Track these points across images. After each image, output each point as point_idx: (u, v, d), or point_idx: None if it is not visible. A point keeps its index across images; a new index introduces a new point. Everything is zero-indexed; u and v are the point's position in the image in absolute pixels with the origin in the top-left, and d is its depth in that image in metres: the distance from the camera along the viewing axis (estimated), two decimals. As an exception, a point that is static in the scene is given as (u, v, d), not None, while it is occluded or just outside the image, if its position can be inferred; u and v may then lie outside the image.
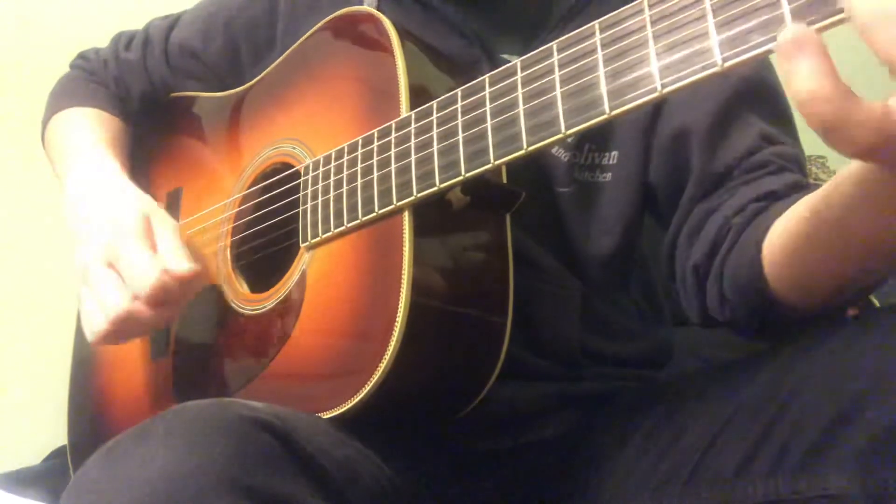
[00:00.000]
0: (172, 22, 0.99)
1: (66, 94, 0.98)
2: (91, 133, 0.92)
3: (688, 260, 0.72)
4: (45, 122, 0.98)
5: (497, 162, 0.57)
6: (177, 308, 0.75)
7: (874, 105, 0.38)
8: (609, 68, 0.48)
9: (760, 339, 0.69)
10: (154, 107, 0.99)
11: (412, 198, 0.62)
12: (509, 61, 0.59)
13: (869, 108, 0.38)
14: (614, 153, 0.76)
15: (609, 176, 0.76)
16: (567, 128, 0.51)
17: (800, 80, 0.38)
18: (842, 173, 0.55)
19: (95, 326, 0.74)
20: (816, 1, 0.40)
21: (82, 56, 1.03)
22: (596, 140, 0.76)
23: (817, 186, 0.59)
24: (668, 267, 0.76)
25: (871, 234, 0.54)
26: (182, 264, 0.73)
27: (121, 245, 0.74)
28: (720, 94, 0.73)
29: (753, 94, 0.74)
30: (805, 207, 0.60)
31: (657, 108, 0.75)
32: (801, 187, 0.68)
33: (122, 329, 0.73)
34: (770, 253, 0.63)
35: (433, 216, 0.64)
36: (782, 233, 0.62)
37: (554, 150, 0.76)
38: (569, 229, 0.77)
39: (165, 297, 0.72)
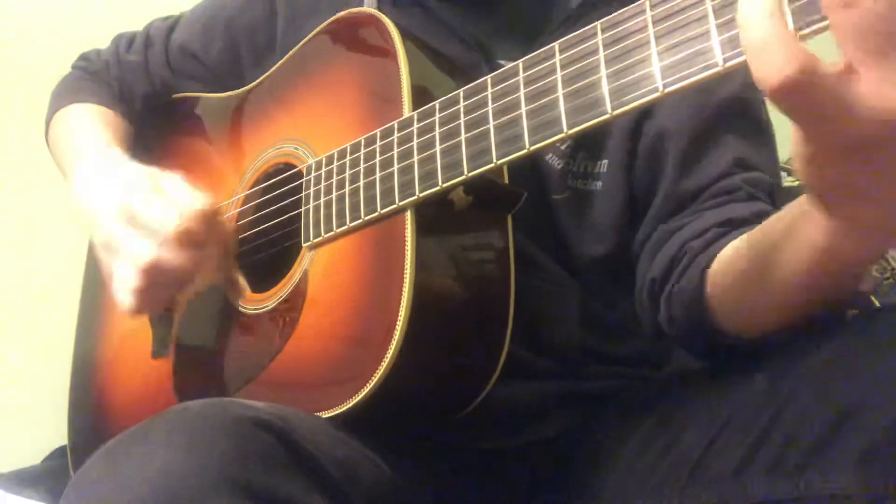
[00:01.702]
0: (172, 23, 0.99)
1: (68, 92, 0.99)
2: (94, 126, 0.92)
3: (646, 274, 0.74)
4: (48, 121, 0.99)
5: (499, 161, 0.57)
6: (201, 252, 0.74)
7: (797, 42, 0.38)
8: (611, 69, 0.49)
9: (707, 359, 0.71)
10: (156, 108, 0.99)
11: (415, 197, 0.62)
12: None
13: (793, 39, 0.38)
14: (604, 162, 0.77)
15: (600, 184, 0.77)
16: (569, 127, 0.51)
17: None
18: (771, 218, 0.57)
19: (128, 285, 0.74)
20: (818, 1, 0.40)
21: (84, 57, 1.03)
22: (589, 148, 0.76)
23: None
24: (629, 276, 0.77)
25: (795, 277, 0.56)
26: (198, 200, 0.73)
27: (135, 201, 0.74)
28: (701, 112, 0.74)
29: (735, 114, 0.75)
30: (744, 241, 0.62)
31: (640, 120, 0.76)
32: (766, 217, 0.69)
33: (156, 282, 0.73)
34: (712, 281, 0.65)
35: (435, 216, 0.64)
36: (724, 263, 0.64)
37: (548, 158, 0.76)
38: (564, 235, 0.77)
39: (191, 237, 0.72)
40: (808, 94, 0.38)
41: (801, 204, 0.52)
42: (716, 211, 0.71)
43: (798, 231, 0.54)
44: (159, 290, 0.75)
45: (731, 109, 0.74)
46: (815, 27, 0.39)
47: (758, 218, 0.68)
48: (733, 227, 0.68)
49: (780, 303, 0.60)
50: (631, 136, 0.76)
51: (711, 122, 0.74)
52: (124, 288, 0.75)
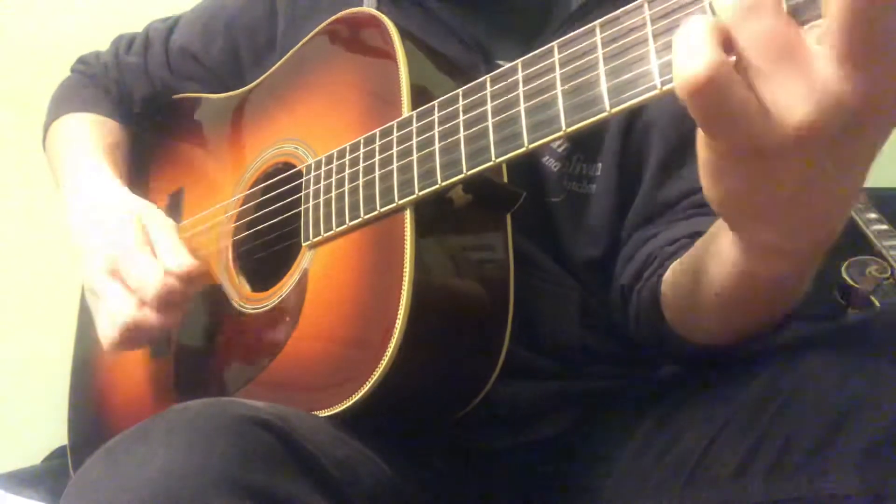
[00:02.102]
0: (172, 24, 0.99)
1: (66, 100, 0.99)
2: (89, 142, 0.92)
3: (619, 279, 0.75)
4: (46, 128, 0.99)
5: (498, 160, 0.57)
6: (182, 308, 0.76)
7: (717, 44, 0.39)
8: (609, 66, 0.48)
9: (675, 362, 0.73)
10: (156, 109, 0.99)
11: (414, 196, 0.62)
12: None
13: (714, 38, 0.38)
14: (599, 165, 0.77)
15: (594, 187, 0.77)
16: (568, 125, 0.51)
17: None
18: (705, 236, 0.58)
19: (107, 336, 0.77)
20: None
21: (83, 60, 1.03)
22: (584, 151, 0.77)
23: None
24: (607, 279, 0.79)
25: (717, 292, 0.57)
26: (182, 262, 0.74)
27: (120, 255, 0.75)
28: (683, 125, 0.75)
29: None
30: (681, 257, 0.64)
31: (629, 126, 0.76)
32: None
33: (133, 336, 0.75)
34: (663, 290, 0.67)
35: (435, 215, 0.64)
36: (670, 273, 0.67)
37: (545, 160, 0.77)
38: (562, 236, 0.78)
39: (171, 299, 0.74)
40: (717, 96, 0.38)
41: (719, 223, 0.53)
42: (688, 222, 0.72)
43: (717, 248, 0.55)
44: (137, 342, 0.78)
45: None
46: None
47: None
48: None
49: (713, 317, 0.61)
50: (622, 140, 0.76)
51: (691, 133, 0.74)
52: (103, 335, 0.78)
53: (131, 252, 0.75)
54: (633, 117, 0.76)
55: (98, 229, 0.79)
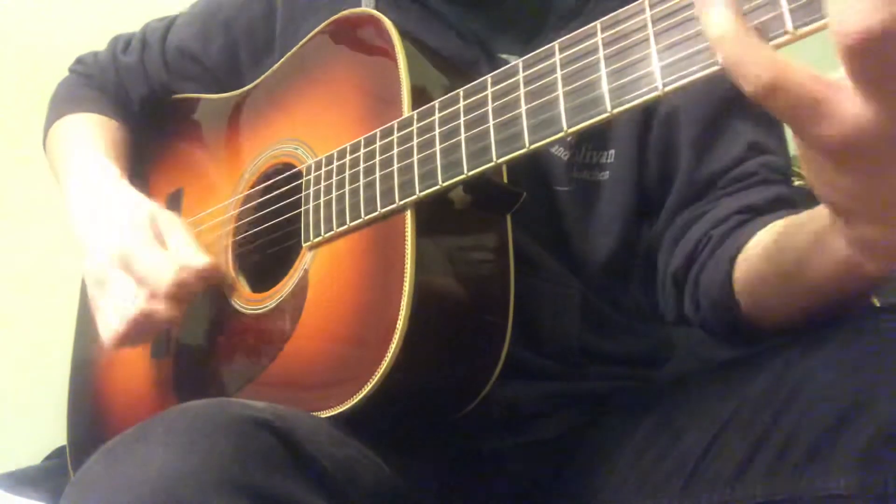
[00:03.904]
0: (169, 24, 0.99)
1: (66, 101, 0.98)
2: (90, 140, 0.92)
3: (668, 265, 0.74)
4: (46, 129, 0.99)
5: (499, 160, 0.57)
6: (188, 302, 0.76)
7: (770, 51, 0.40)
8: (610, 67, 0.49)
9: (732, 346, 0.72)
10: (154, 109, 0.99)
11: (415, 196, 0.62)
12: (508, 61, 0.59)
13: (764, 50, 0.40)
14: (611, 152, 0.77)
15: (607, 175, 0.77)
16: (569, 126, 0.51)
17: (711, 25, 0.40)
18: (800, 219, 0.58)
19: (112, 329, 0.76)
20: (816, 1, 0.40)
21: (80, 60, 1.03)
22: (594, 139, 0.76)
23: (800, 201, 0.62)
24: (649, 268, 0.78)
25: (819, 286, 0.57)
26: (198, 258, 0.74)
27: (132, 247, 0.75)
28: (711, 101, 0.74)
29: (744, 98, 0.74)
30: (771, 240, 0.63)
31: (651, 111, 0.76)
32: (784, 201, 0.70)
33: (139, 329, 0.75)
34: (738, 269, 0.65)
35: (435, 215, 0.64)
36: (748, 261, 0.65)
37: (553, 149, 0.76)
38: (568, 228, 0.77)
39: (184, 293, 0.73)
40: (784, 98, 0.39)
41: (827, 215, 0.52)
42: (734, 197, 0.72)
43: (826, 243, 0.53)
44: (140, 337, 0.77)
45: (740, 94, 0.74)
46: (813, 26, 0.40)
47: (775, 203, 0.70)
48: (754, 213, 0.69)
49: (802, 307, 0.61)
50: (640, 126, 0.76)
51: (722, 107, 0.74)
52: (108, 328, 0.76)
53: (144, 246, 0.75)
54: (653, 104, 0.76)
55: (106, 224, 0.79)
